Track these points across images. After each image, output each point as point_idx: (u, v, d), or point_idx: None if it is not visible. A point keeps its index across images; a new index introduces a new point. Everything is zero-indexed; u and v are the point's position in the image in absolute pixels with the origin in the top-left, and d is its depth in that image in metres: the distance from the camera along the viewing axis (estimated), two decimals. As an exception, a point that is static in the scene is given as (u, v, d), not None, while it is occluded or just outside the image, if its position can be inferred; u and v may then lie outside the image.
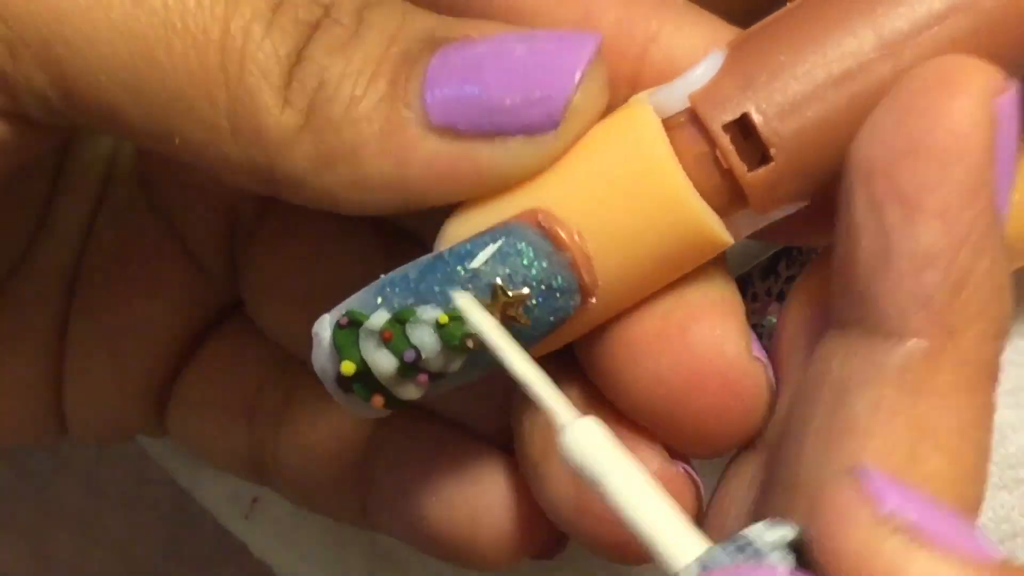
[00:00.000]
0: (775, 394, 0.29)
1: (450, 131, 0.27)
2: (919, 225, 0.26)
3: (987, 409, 0.27)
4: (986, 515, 0.37)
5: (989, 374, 0.27)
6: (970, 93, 0.26)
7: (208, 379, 0.37)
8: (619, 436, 0.26)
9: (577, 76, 0.27)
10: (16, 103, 0.28)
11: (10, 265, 0.35)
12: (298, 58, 0.27)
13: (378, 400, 0.27)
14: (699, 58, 0.28)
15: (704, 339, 0.28)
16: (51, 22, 0.27)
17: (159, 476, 0.43)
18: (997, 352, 0.27)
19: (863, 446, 0.26)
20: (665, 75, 0.29)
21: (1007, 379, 0.37)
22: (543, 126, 0.27)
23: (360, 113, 0.27)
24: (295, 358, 0.36)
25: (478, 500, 0.33)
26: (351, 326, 0.27)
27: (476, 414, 0.34)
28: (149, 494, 0.48)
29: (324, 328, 0.28)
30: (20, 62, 0.27)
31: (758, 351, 0.29)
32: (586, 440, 0.24)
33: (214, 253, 0.36)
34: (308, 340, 0.34)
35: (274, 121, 0.27)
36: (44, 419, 0.36)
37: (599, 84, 0.28)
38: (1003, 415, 0.37)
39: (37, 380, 0.36)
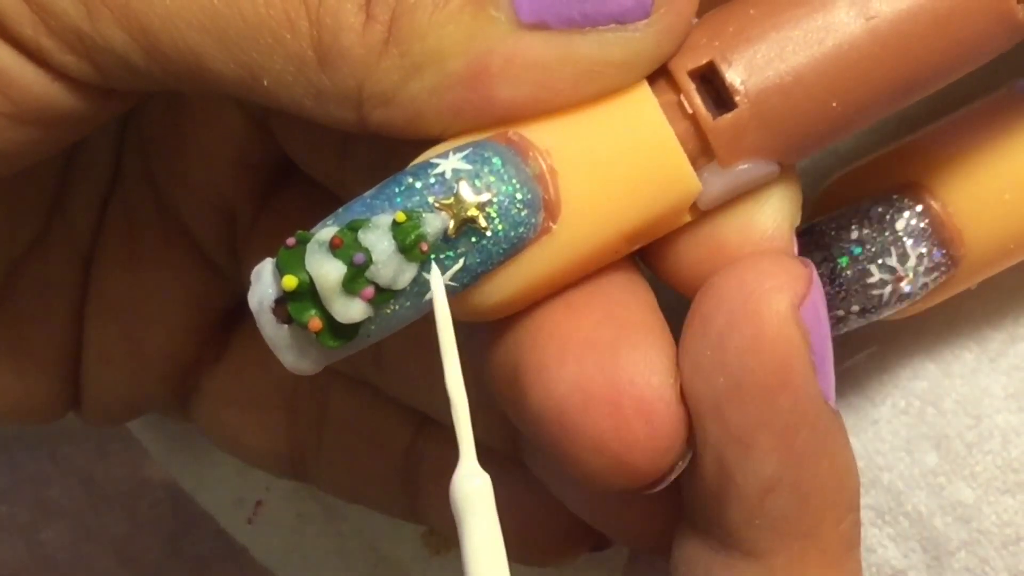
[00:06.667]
0: (686, 451, 0.28)
1: (541, 27, 0.26)
2: (755, 461, 0.26)
3: (854, 574, 0.27)
4: (989, 520, 0.37)
5: (850, 544, 0.27)
6: (777, 314, 0.26)
7: (241, 374, 0.37)
8: None
9: None
10: (95, 68, 0.27)
11: (26, 245, 0.35)
12: None
13: (315, 323, 0.25)
14: None
15: (634, 361, 0.27)
16: None
17: (159, 476, 0.43)
18: (854, 521, 0.27)
19: None
20: None
21: (1011, 383, 0.37)
22: (635, 13, 0.26)
23: (445, 17, 0.26)
24: None
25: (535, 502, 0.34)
26: (299, 245, 0.26)
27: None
28: (149, 494, 0.48)
29: (266, 264, 0.26)
30: (98, 21, 0.27)
31: None
32: (475, 496, 0.24)
33: (223, 250, 0.36)
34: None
35: (358, 39, 0.27)
36: (59, 396, 0.36)
37: None
38: (1007, 419, 0.37)
39: (56, 358, 0.36)
